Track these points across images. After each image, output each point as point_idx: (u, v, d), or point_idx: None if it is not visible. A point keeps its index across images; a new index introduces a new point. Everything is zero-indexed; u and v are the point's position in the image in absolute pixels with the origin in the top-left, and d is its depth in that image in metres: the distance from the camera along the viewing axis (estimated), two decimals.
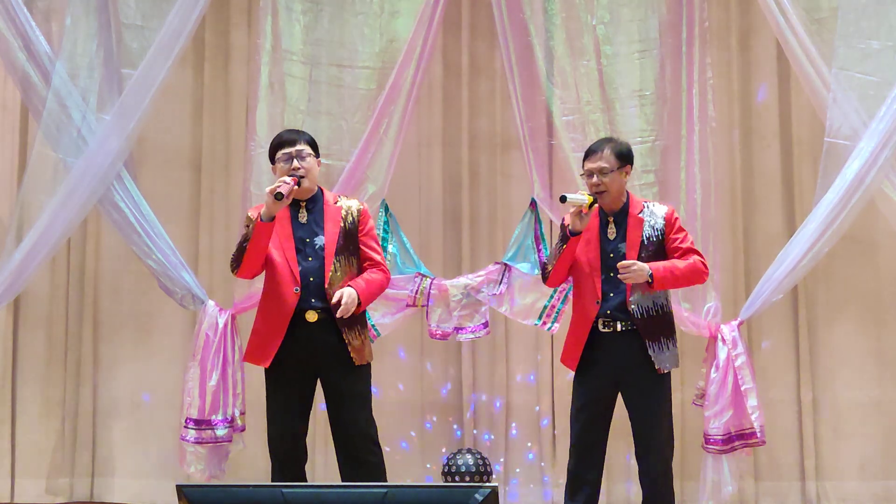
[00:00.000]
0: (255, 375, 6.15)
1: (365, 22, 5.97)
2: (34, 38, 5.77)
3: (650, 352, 4.78)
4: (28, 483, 6.27)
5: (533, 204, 5.92)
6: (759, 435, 5.58)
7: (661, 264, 4.76)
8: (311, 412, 4.88)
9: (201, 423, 5.67)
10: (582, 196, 4.72)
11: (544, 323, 5.86)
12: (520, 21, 5.92)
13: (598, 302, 4.78)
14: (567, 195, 4.70)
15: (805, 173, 6.27)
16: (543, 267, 4.94)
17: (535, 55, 5.91)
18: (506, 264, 5.90)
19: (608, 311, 4.79)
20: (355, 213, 4.82)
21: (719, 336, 5.68)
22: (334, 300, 4.60)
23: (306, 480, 4.80)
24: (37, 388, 6.34)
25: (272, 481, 4.75)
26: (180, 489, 3.35)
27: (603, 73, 5.90)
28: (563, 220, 4.95)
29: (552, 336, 6.26)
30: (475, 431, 6.37)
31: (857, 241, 6.16)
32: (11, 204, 6.02)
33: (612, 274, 4.77)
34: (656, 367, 4.79)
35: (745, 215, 6.37)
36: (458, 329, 5.87)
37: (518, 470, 6.35)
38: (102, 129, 5.76)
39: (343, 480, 4.75)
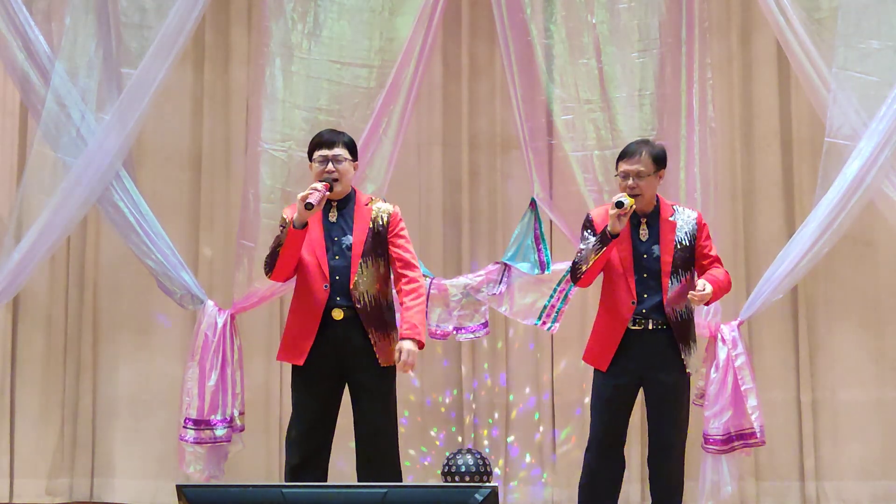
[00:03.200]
0: (255, 376, 6.17)
1: (364, 20, 5.96)
2: (34, 38, 5.77)
3: (682, 354, 4.83)
4: (28, 483, 6.28)
5: (533, 204, 5.92)
6: (758, 435, 5.58)
7: (712, 281, 4.77)
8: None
9: (200, 424, 5.67)
10: (627, 199, 4.72)
11: (544, 323, 5.86)
12: (520, 21, 5.91)
13: (633, 303, 4.80)
14: (623, 199, 4.69)
15: (805, 173, 6.27)
16: (575, 267, 4.87)
17: (535, 55, 5.91)
18: (506, 264, 5.89)
19: (643, 311, 4.81)
20: (385, 216, 4.80)
21: (719, 336, 5.68)
22: (396, 357, 4.63)
23: (325, 478, 4.74)
24: (36, 388, 6.34)
25: (285, 480, 4.73)
26: (180, 489, 3.35)
27: (603, 72, 5.90)
28: (589, 215, 4.94)
29: (552, 336, 6.26)
30: (475, 431, 6.37)
31: (857, 241, 6.16)
32: (11, 204, 6.01)
33: (644, 275, 4.81)
34: (686, 369, 4.85)
35: (745, 215, 6.37)
36: (457, 329, 5.87)
37: (518, 469, 6.35)
38: (102, 128, 5.76)
39: (359, 479, 4.73)
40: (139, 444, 6.33)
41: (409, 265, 4.80)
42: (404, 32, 5.88)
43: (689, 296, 4.76)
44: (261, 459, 6.29)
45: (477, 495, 3.27)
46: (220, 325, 5.74)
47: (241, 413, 5.75)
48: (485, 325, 5.88)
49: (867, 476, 6.17)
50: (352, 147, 4.82)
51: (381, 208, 4.83)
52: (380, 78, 5.90)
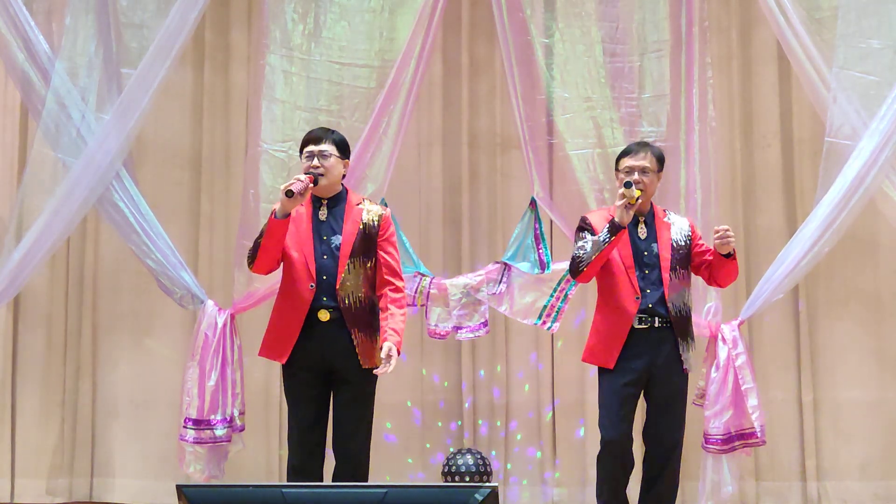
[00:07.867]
0: (255, 376, 6.17)
1: (365, 20, 5.96)
2: (34, 38, 5.77)
3: (680, 350, 4.85)
4: (28, 483, 6.27)
5: (533, 203, 5.92)
6: (759, 435, 5.58)
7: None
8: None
9: (200, 423, 5.66)
10: (635, 189, 4.77)
11: (544, 322, 5.86)
12: (520, 20, 5.92)
13: (637, 297, 4.82)
14: (631, 181, 4.77)
15: (805, 173, 6.27)
16: (576, 262, 4.85)
17: (535, 54, 5.91)
18: (505, 263, 5.89)
19: (649, 306, 4.82)
20: (376, 218, 4.80)
21: (720, 336, 5.68)
22: (384, 363, 4.59)
23: (321, 477, 4.78)
24: (36, 387, 6.34)
25: (287, 473, 4.76)
26: (180, 489, 3.35)
27: (603, 72, 5.90)
28: (586, 218, 4.98)
29: (552, 335, 6.26)
30: (475, 431, 6.37)
31: (858, 240, 6.15)
32: (11, 204, 6.01)
33: (646, 271, 4.85)
34: (683, 367, 4.86)
35: (745, 215, 6.37)
36: (457, 328, 5.86)
37: (518, 469, 6.34)
38: (102, 128, 5.76)
39: (333, 477, 4.75)
40: (139, 444, 6.33)
41: (395, 273, 4.81)
42: (404, 32, 5.88)
43: (716, 238, 4.79)
44: (261, 459, 6.29)
45: (477, 495, 3.27)
46: (220, 324, 5.74)
47: (241, 413, 5.74)
48: (484, 324, 5.88)
49: (868, 476, 6.17)
50: (341, 145, 4.81)
51: (373, 210, 4.83)
52: (380, 78, 5.90)
